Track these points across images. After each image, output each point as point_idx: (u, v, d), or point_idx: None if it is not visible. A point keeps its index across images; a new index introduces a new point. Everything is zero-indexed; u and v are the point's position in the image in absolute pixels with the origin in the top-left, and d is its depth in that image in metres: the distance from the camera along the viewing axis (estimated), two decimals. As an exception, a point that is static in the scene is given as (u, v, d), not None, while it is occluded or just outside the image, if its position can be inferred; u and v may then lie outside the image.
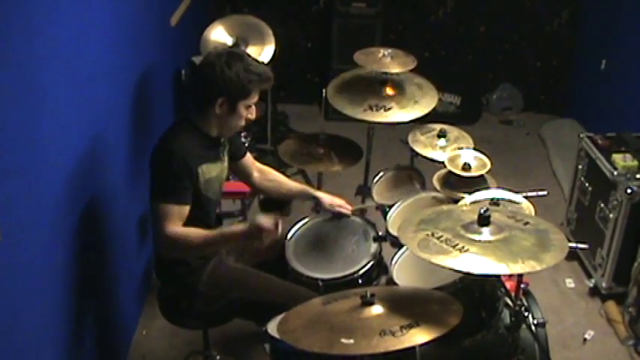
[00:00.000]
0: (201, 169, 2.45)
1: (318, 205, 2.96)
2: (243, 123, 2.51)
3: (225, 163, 2.65)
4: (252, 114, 2.51)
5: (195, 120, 2.47)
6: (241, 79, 2.38)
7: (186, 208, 2.39)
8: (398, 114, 3.09)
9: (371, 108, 3.09)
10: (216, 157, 2.56)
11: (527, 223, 2.16)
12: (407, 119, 3.09)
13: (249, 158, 2.86)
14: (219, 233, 2.44)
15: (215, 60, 2.41)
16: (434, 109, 3.15)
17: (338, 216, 2.91)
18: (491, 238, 2.04)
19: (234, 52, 2.50)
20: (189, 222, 2.41)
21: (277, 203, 3.40)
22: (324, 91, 3.27)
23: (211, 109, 2.42)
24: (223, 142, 2.61)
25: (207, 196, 2.52)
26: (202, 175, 2.45)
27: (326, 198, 2.91)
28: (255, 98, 2.48)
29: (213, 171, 2.52)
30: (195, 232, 2.39)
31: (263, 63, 2.53)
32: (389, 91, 3.17)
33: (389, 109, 3.09)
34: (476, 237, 2.04)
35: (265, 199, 3.58)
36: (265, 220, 2.32)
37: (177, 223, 2.36)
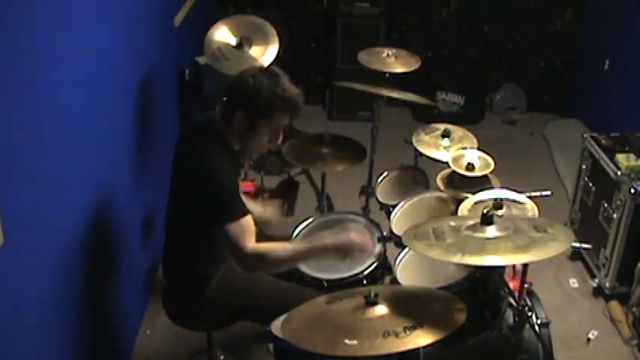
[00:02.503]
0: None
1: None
2: (264, 146, 2.46)
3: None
4: (274, 140, 2.44)
5: (220, 129, 2.42)
6: (261, 95, 2.31)
7: (251, 219, 2.32)
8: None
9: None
10: (237, 172, 2.55)
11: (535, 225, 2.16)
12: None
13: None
14: (308, 247, 2.38)
15: (246, 73, 2.38)
16: (437, 108, 3.16)
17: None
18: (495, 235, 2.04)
19: (269, 70, 2.43)
20: (210, 241, 2.40)
21: (286, 185, 3.23)
22: (327, 91, 3.27)
23: (232, 120, 2.38)
24: (242, 162, 2.56)
25: None
26: None
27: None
28: (280, 122, 2.40)
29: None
30: (282, 247, 2.34)
31: (298, 92, 2.39)
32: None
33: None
34: (480, 235, 2.04)
35: (275, 189, 3.29)
36: (356, 235, 2.27)
37: (253, 237, 2.29)
